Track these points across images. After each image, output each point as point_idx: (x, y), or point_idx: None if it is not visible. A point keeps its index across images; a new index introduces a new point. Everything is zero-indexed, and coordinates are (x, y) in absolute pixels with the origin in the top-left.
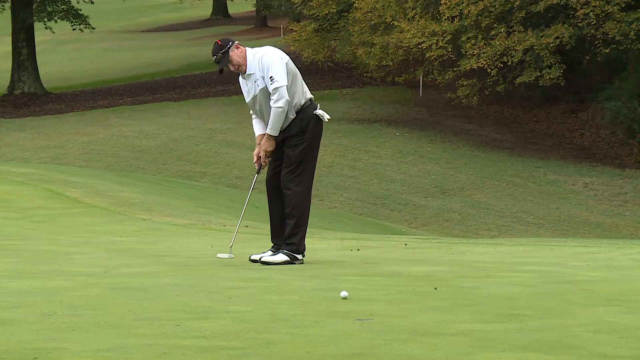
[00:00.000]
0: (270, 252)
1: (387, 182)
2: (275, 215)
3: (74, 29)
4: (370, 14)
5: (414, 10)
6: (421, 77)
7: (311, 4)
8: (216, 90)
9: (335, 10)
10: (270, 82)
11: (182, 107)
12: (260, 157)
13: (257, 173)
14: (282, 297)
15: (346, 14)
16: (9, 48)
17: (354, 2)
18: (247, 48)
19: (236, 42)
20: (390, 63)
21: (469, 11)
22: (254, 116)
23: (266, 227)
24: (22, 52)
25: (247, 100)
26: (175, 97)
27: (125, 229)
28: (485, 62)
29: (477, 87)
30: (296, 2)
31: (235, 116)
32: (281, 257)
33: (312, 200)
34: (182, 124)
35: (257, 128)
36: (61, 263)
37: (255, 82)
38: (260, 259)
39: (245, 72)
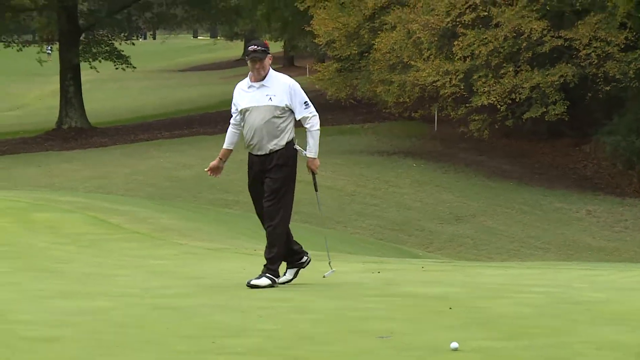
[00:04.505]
0: (257, 276)
1: (405, 210)
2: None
3: (116, 69)
4: (388, 55)
5: (429, 51)
6: (436, 112)
7: (334, 45)
8: None
9: (356, 51)
10: (305, 107)
11: (216, 140)
12: (215, 169)
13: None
14: (307, 316)
15: (367, 54)
16: (58, 86)
17: (374, 44)
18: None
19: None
20: (408, 100)
21: (480, 52)
22: (232, 126)
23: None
24: (69, 90)
25: (241, 107)
26: (210, 131)
27: (164, 252)
28: (495, 99)
29: (488, 121)
30: (321, 43)
31: None
32: (265, 280)
33: (335, 227)
34: (215, 156)
35: (228, 142)
36: (105, 285)
37: (266, 95)
38: (248, 282)
39: (262, 80)
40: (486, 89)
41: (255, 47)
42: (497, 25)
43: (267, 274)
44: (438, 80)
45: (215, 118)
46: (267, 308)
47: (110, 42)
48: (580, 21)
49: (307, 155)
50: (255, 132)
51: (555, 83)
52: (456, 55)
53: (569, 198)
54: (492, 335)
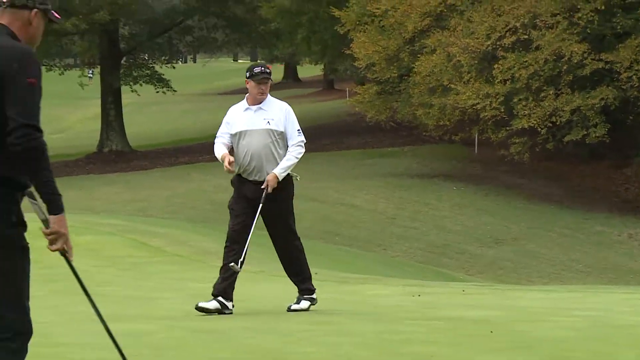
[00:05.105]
0: (295, 302)
1: (445, 233)
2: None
3: (157, 92)
4: (428, 78)
5: (469, 74)
6: (476, 135)
7: (374, 68)
8: None
9: (396, 74)
10: (298, 134)
11: None
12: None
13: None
14: (347, 339)
15: (406, 77)
16: (99, 110)
17: (414, 67)
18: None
19: None
20: (448, 122)
21: (520, 75)
22: (218, 141)
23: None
24: (110, 113)
25: (236, 130)
26: None
27: (204, 275)
28: (535, 122)
29: (528, 144)
30: (361, 66)
31: (302, 171)
32: (305, 303)
33: (376, 250)
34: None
35: (221, 150)
36: (146, 307)
37: (264, 119)
38: (289, 308)
39: (260, 103)
40: (527, 111)
41: (262, 69)
42: (537, 48)
43: (305, 296)
44: (478, 103)
45: None
46: (307, 331)
47: (151, 65)
48: (621, 44)
49: (273, 170)
50: (252, 156)
51: (596, 106)
52: (496, 78)
53: (611, 221)
54: (533, 359)
